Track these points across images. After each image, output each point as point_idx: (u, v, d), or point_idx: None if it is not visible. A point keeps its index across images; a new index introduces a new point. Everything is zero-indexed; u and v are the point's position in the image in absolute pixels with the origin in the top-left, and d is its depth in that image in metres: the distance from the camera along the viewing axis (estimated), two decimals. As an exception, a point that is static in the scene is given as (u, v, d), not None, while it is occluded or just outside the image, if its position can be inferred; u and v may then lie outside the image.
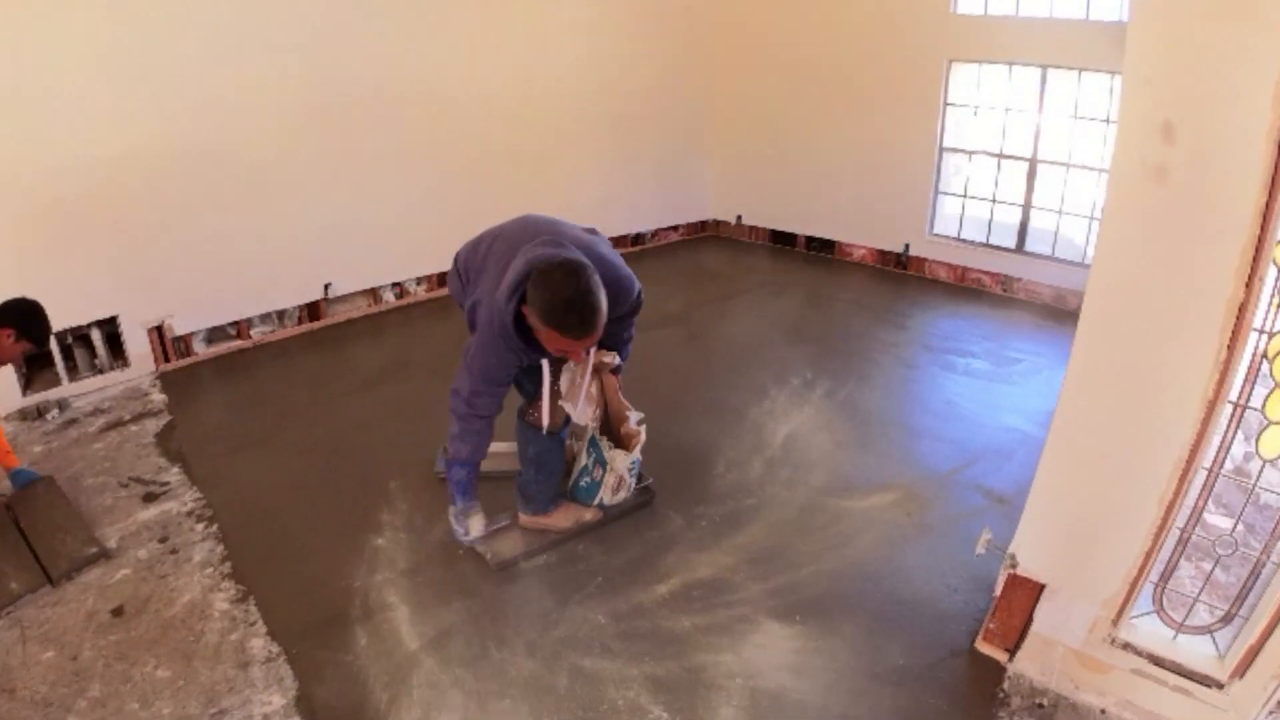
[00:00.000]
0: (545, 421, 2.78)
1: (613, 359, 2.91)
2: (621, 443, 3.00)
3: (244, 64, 4.40)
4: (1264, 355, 1.81)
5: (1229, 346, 1.76)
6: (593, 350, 2.74)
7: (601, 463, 2.95)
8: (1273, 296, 1.76)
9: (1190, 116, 1.66)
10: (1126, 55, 1.70)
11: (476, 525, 2.79)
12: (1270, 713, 2.07)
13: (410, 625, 2.56)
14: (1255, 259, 1.67)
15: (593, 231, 2.78)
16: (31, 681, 2.30)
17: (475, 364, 2.52)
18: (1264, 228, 1.64)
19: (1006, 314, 5.50)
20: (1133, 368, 1.92)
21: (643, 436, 2.98)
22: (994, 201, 5.85)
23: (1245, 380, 1.85)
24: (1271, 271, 1.72)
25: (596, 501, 3.02)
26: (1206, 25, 1.61)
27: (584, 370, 2.78)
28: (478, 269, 2.65)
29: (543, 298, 2.28)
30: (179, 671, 2.34)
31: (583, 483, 3.01)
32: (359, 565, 2.85)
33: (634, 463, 3.02)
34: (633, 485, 3.08)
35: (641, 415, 3.03)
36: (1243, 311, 1.72)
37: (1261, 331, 1.78)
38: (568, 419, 2.86)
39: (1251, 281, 1.69)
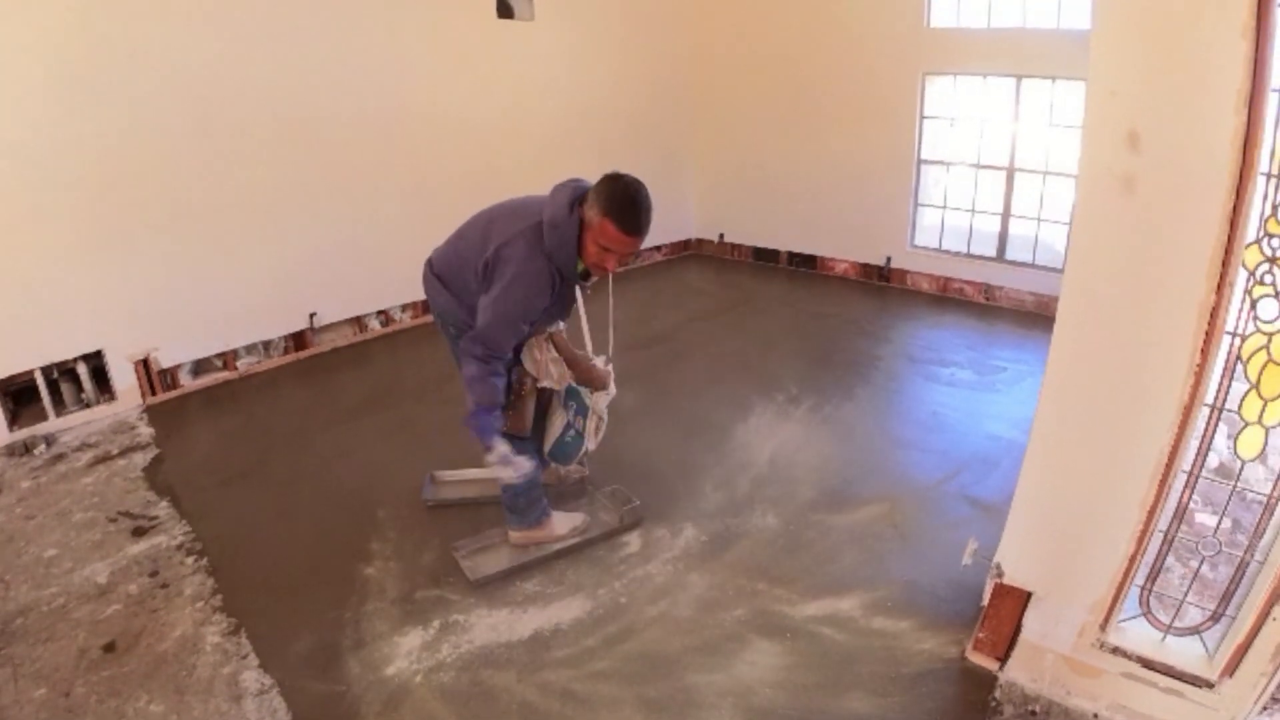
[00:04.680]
0: (526, 423, 2.90)
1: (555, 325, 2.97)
2: (596, 385, 3.06)
3: (225, 94, 4.42)
4: (1238, 357, 1.84)
5: (1202, 350, 1.79)
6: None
7: (583, 411, 3.01)
8: (1244, 299, 1.78)
9: (1155, 125, 1.70)
10: (1090, 67, 1.74)
11: (525, 462, 2.77)
12: (1263, 709, 2.09)
13: (402, 653, 2.54)
14: (1225, 263, 1.70)
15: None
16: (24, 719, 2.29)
17: (508, 299, 2.56)
18: (1232, 232, 1.67)
19: (989, 322, 5.55)
20: (1108, 374, 1.95)
21: (612, 372, 3.08)
22: (973, 211, 5.91)
23: (1221, 382, 1.88)
24: (1241, 275, 1.75)
25: (583, 451, 3.07)
26: (1168, 35, 1.64)
27: (540, 345, 2.86)
28: (478, 241, 2.69)
29: (609, 193, 2.49)
30: (172, 706, 2.33)
31: (568, 437, 3.04)
32: (350, 595, 2.84)
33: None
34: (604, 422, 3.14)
35: (606, 355, 3.12)
36: (1214, 315, 1.75)
37: (1234, 334, 1.81)
38: (535, 420, 2.97)
39: (1222, 286, 1.72)
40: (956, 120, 5.84)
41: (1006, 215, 5.74)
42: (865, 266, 6.60)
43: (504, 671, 2.46)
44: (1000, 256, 5.85)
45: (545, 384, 2.90)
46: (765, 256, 7.28)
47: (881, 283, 6.51)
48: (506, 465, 2.72)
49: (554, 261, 2.57)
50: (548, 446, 3.11)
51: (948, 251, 6.13)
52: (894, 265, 6.39)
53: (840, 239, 6.68)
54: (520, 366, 2.85)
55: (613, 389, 3.10)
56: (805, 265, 6.99)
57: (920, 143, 5.98)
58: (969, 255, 6.00)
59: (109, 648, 2.58)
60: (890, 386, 4.58)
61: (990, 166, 5.74)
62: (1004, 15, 5.36)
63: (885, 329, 5.49)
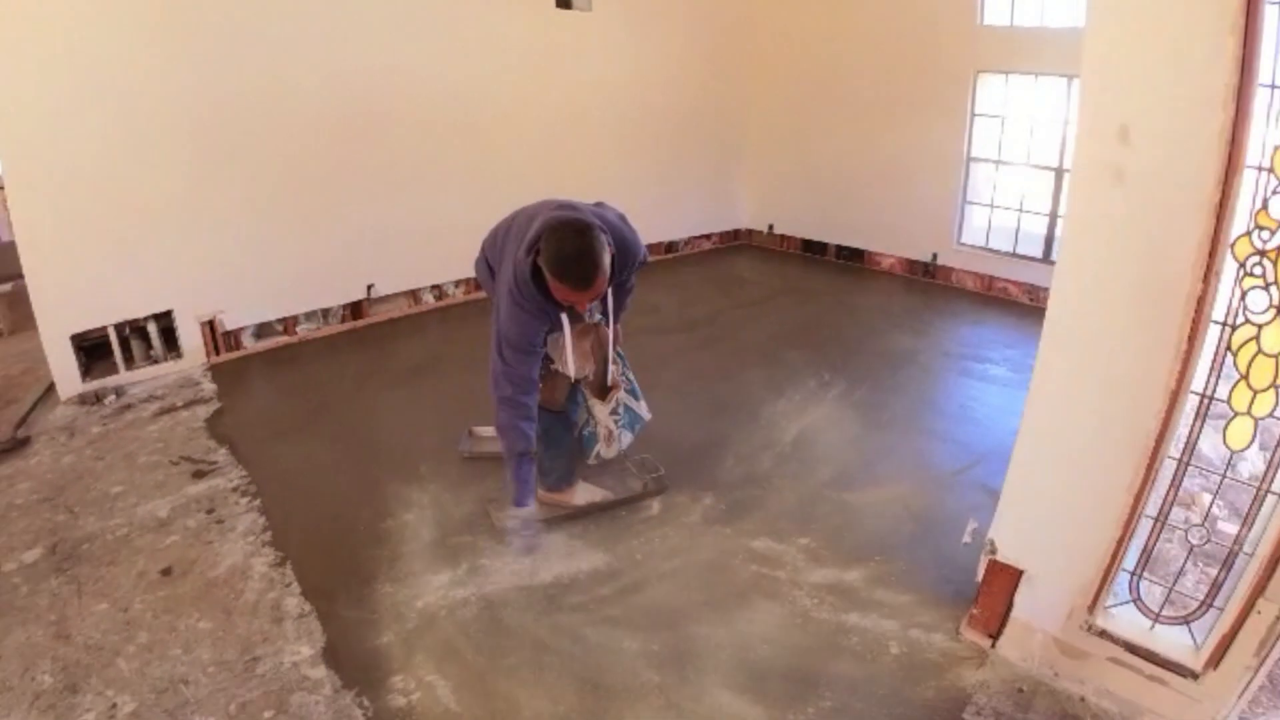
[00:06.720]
0: (555, 398, 3.04)
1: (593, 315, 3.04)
2: (596, 391, 3.15)
3: (292, 73, 4.68)
4: (1229, 347, 1.90)
5: (1189, 339, 1.84)
6: (593, 307, 2.95)
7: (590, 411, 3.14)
8: (1234, 290, 1.84)
9: (1145, 119, 1.77)
10: (1083, 61, 1.82)
11: (533, 540, 2.99)
12: (1250, 701, 2.13)
13: (431, 589, 2.74)
14: (1211, 253, 1.76)
15: (600, 204, 2.92)
16: (86, 629, 2.53)
17: (502, 333, 2.66)
18: (1218, 223, 1.73)
19: (1032, 323, 5.50)
20: (1097, 360, 2.02)
21: (622, 388, 3.15)
22: (1021, 211, 5.90)
23: (1211, 372, 1.94)
24: (1230, 265, 1.81)
25: (595, 451, 3.18)
26: (1157, 31, 1.72)
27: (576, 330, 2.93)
28: (500, 251, 2.84)
29: (550, 252, 2.49)
30: (219, 624, 2.55)
31: (585, 431, 3.18)
32: (389, 537, 3.04)
33: (638, 421, 3.23)
34: (623, 441, 3.22)
35: (620, 368, 3.18)
36: (1201, 304, 1.81)
37: (1225, 324, 1.87)
38: (569, 393, 3.10)
39: (1208, 276, 1.78)
40: (1008, 119, 5.84)
41: (1054, 216, 5.71)
42: (911, 262, 6.63)
43: (522, 612, 2.63)
44: (1046, 258, 5.82)
45: (558, 368, 2.94)
46: (814, 249, 7.35)
47: (927, 279, 6.53)
48: (519, 526, 2.98)
49: (529, 300, 2.62)
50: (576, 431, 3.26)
51: (994, 250, 6.12)
52: (940, 262, 6.41)
53: (888, 234, 6.73)
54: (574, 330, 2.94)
55: (614, 405, 3.12)
56: (852, 259, 7.05)
57: (970, 140, 6.00)
58: (1015, 255, 5.99)
59: (166, 572, 2.82)
60: (923, 379, 4.64)
61: (1040, 166, 5.72)
62: (1057, 14, 5.35)
63: (926, 324, 5.53)
